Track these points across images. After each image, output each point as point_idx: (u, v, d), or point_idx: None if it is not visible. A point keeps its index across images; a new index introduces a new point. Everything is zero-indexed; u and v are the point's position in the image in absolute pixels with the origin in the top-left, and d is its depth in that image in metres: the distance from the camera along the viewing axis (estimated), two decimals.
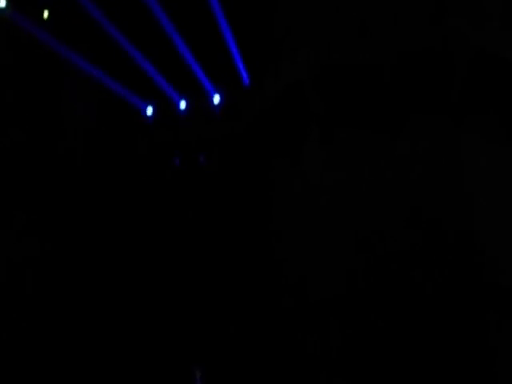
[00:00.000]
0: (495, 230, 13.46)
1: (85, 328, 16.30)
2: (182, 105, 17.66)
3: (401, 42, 14.33)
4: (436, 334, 11.93)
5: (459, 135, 14.03)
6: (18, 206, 16.26)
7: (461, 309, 12.29)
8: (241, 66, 17.83)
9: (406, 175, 13.72)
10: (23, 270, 16.07)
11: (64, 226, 16.92)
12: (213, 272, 16.54)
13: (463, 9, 14.95)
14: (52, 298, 16.34)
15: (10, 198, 16.13)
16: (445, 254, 12.85)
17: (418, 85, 14.28)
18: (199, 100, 18.20)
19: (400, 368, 11.77)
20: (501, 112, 14.55)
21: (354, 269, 13.09)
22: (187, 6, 18.80)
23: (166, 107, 18.01)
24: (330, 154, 14.70)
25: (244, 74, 18.13)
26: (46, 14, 17.07)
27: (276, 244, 15.40)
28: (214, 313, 15.91)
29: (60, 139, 16.52)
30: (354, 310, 12.74)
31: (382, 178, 13.93)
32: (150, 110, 17.79)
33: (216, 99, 17.64)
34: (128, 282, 16.72)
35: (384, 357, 11.97)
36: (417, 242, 13.01)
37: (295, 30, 16.46)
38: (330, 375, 12.49)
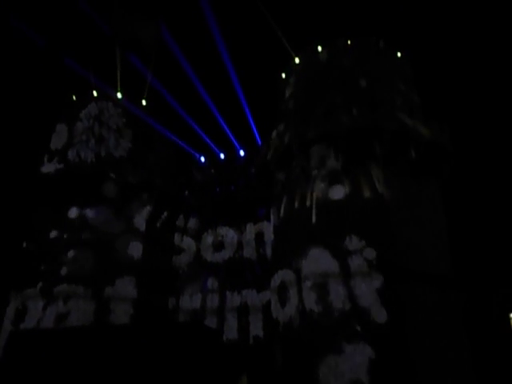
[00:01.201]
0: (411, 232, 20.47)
1: None
2: (222, 156, 27.87)
3: (351, 121, 22.03)
4: None
5: (387, 177, 21.39)
6: None
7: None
8: (257, 135, 28.04)
9: (353, 201, 21.15)
10: None
11: None
12: None
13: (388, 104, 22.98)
14: None
15: None
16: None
17: (361, 145, 21.62)
18: (231, 153, 28.47)
19: None
20: (408, 164, 21.88)
21: None
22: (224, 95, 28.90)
23: (212, 157, 28.12)
24: (305, 188, 22.26)
25: (258, 139, 28.44)
26: (144, 102, 27.88)
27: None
28: None
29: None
30: None
31: (339, 202, 21.30)
32: (202, 159, 28.16)
33: (241, 153, 27.69)
34: None
35: None
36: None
37: (287, 114, 25.18)
38: None
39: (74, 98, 28.50)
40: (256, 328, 23.67)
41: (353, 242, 20.31)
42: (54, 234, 24.46)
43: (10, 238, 27.15)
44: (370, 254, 20.00)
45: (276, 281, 22.07)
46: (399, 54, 26.01)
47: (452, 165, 23.23)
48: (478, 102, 31.69)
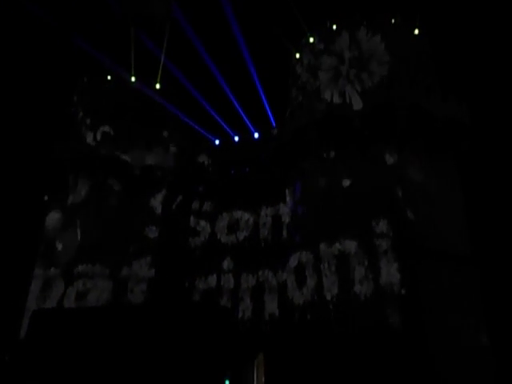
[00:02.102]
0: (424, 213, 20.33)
1: None
2: (236, 138, 27.94)
3: (366, 99, 22.09)
4: None
5: (403, 156, 21.42)
6: None
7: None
8: (271, 116, 27.89)
9: (368, 182, 21.09)
10: None
11: None
12: None
13: (404, 82, 22.63)
14: None
15: None
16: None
17: (376, 123, 21.48)
18: (246, 135, 28.29)
19: None
20: (425, 140, 21.78)
21: None
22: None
23: (226, 140, 28.23)
24: (321, 169, 22.44)
25: (272, 121, 28.47)
26: (158, 85, 28.01)
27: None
28: None
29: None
30: None
31: (354, 182, 21.23)
32: (217, 141, 28.20)
33: (256, 135, 27.69)
34: None
35: None
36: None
37: (301, 94, 25.06)
38: None
39: (86, 80, 28.73)
40: (271, 308, 23.73)
41: (371, 223, 20.26)
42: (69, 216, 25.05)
43: (30, 219, 27.80)
44: (388, 233, 19.92)
45: (293, 262, 22.11)
46: (416, 31, 25.30)
47: (470, 141, 22.82)
48: (497, 77, 30.87)
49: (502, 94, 30.15)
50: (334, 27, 25.64)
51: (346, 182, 21.92)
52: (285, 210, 25.34)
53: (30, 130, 31.14)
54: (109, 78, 28.52)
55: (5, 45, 31.03)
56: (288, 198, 24.88)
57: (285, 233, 25.05)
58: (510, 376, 19.98)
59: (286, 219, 25.03)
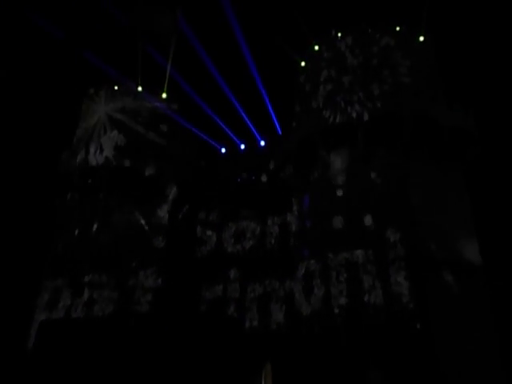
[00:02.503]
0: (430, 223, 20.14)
1: None
2: (242, 146, 28.05)
3: (372, 108, 21.93)
4: None
5: (407, 162, 21.38)
6: None
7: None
8: (277, 124, 27.95)
9: (374, 188, 21.14)
10: None
11: None
12: None
13: (409, 90, 22.58)
14: None
15: None
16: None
17: (382, 132, 21.44)
18: (252, 144, 28.38)
19: None
20: (432, 149, 21.62)
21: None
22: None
23: (233, 148, 28.42)
24: (327, 177, 22.45)
25: (278, 129, 28.46)
26: (164, 94, 28.20)
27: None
28: None
29: None
30: None
31: (360, 191, 21.20)
32: (223, 149, 28.31)
33: (262, 143, 27.82)
34: None
35: None
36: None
37: (307, 102, 24.89)
38: None
39: (92, 91, 28.98)
40: (279, 318, 23.49)
41: (379, 232, 20.08)
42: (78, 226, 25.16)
43: (38, 230, 27.93)
44: (396, 243, 19.73)
45: (300, 271, 21.93)
46: (422, 38, 25.28)
47: (477, 150, 22.68)
48: (504, 85, 30.75)
49: (508, 102, 30.02)
50: (339, 35, 25.60)
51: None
52: (292, 219, 25.21)
53: (37, 142, 31.38)
54: (116, 88, 28.74)
55: (12, 56, 31.37)
56: (295, 207, 24.77)
57: (292, 242, 24.89)
58: None
59: (293, 228, 24.88)
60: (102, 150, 26.46)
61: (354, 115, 22.43)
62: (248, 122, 28.73)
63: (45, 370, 21.53)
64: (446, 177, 22.03)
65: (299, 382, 19.99)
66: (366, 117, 22.17)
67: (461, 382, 17.51)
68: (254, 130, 28.43)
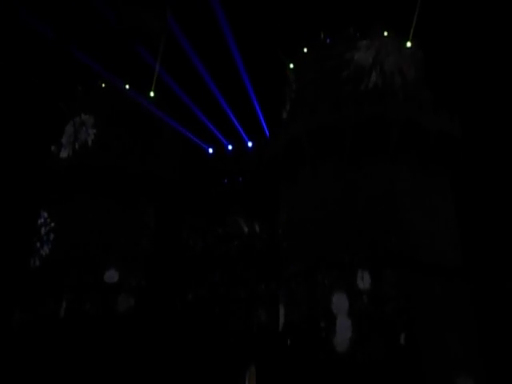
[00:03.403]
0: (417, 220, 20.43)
1: None
2: (230, 147, 27.95)
3: (359, 112, 21.88)
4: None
5: (395, 168, 21.56)
6: None
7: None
8: (265, 126, 28.03)
9: (361, 190, 21.25)
10: None
11: None
12: None
13: (397, 95, 22.69)
14: None
15: None
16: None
17: (369, 136, 21.61)
18: (240, 145, 28.36)
19: None
20: (418, 153, 21.86)
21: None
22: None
23: (220, 149, 28.30)
24: (314, 179, 22.51)
25: (266, 131, 28.54)
26: (152, 93, 27.97)
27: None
28: None
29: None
30: None
31: (347, 194, 21.30)
32: (210, 150, 28.21)
33: (249, 144, 27.75)
34: None
35: None
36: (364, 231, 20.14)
37: (295, 105, 25.08)
38: None
39: (80, 88, 28.64)
40: (264, 320, 23.54)
41: (364, 234, 20.22)
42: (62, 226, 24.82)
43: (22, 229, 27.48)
44: (381, 245, 19.81)
45: (286, 274, 21.97)
46: (409, 44, 25.48)
47: (462, 154, 22.98)
48: (489, 91, 31.25)
49: (493, 107, 30.52)
50: (328, 40, 25.84)
51: (339, 193, 21.82)
52: (279, 221, 25.08)
53: (25, 138, 30.95)
54: (103, 86, 28.46)
55: (1, 53, 30.94)
56: (282, 209, 24.68)
57: (278, 244, 24.73)
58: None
59: (280, 230, 24.78)
60: (88, 148, 26.15)
61: (342, 118, 22.35)
62: (236, 123, 28.71)
63: (31, 371, 21.16)
64: (433, 180, 22.28)
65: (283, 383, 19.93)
66: (353, 120, 22.15)
67: (442, 379, 17.66)
68: (241, 131, 28.42)
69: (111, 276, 23.72)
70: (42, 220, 25.86)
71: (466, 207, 24.05)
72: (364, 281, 19.48)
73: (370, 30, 25.35)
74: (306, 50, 26.57)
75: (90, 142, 26.32)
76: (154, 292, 24.42)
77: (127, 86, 27.87)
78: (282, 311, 21.99)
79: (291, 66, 27.11)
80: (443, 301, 19.36)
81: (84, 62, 27.49)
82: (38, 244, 25.11)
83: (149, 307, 23.68)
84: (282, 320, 21.79)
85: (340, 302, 19.47)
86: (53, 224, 25.16)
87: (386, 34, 25.35)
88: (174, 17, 27.41)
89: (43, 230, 25.30)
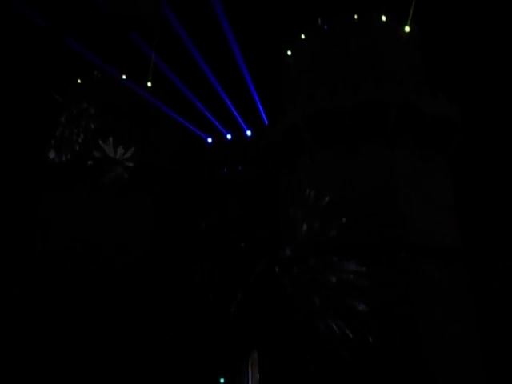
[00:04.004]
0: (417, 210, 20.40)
1: None
2: (229, 136, 27.95)
3: (356, 97, 21.75)
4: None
5: (393, 153, 21.50)
6: None
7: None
8: (263, 114, 27.96)
9: (359, 176, 21.27)
10: None
11: None
12: None
13: (394, 79, 22.61)
14: None
15: None
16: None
17: (368, 120, 21.50)
18: (238, 133, 28.35)
19: None
20: (416, 138, 21.83)
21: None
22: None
23: (219, 138, 28.25)
24: (313, 165, 22.58)
25: (265, 119, 28.41)
26: (149, 83, 27.83)
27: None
28: None
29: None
30: None
31: (345, 180, 21.36)
32: (210, 140, 28.19)
33: (248, 133, 27.71)
34: None
35: None
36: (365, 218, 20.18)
37: (293, 92, 25.04)
38: None
39: (75, 79, 28.50)
40: (266, 306, 23.57)
41: (363, 219, 20.21)
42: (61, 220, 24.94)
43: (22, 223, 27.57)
44: (380, 229, 19.90)
45: (288, 260, 22.03)
46: (407, 29, 25.16)
47: (460, 139, 22.95)
48: (488, 75, 31.08)
49: (492, 91, 30.36)
50: (325, 25, 25.62)
51: (337, 179, 21.91)
52: (279, 209, 25.06)
53: (20, 133, 30.86)
54: (99, 76, 28.33)
55: None
56: (281, 196, 24.75)
57: (279, 230, 24.55)
58: (500, 369, 20.25)
59: (280, 218, 24.66)
60: (85, 140, 26.13)
61: (340, 103, 22.25)
62: (234, 112, 28.63)
63: None
64: (431, 165, 22.27)
65: (286, 369, 20.24)
66: (351, 104, 22.05)
67: (442, 367, 17.86)
68: (240, 119, 28.36)
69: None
70: (42, 211, 25.96)
71: (464, 192, 24.08)
72: (362, 267, 19.49)
73: (367, 14, 25.11)
74: (303, 36, 26.38)
75: (86, 133, 26.26)
76: (156, 279, 24.58)
77: (124, 76, 27.82)
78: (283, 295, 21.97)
79: (289, 52, 26.96)
80: (441, 284, 19.45)
81: (78, 51, 27.35)
82: (39, 234, 25.30)
83: (151, 294, 23.85)
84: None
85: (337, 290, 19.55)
86: (53, 214, 25.26)
87: (383, 18, 25.15)
88: (169, 4, 27.26)
89: (43, 221, 25.42)
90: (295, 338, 20.34)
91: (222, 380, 22.30)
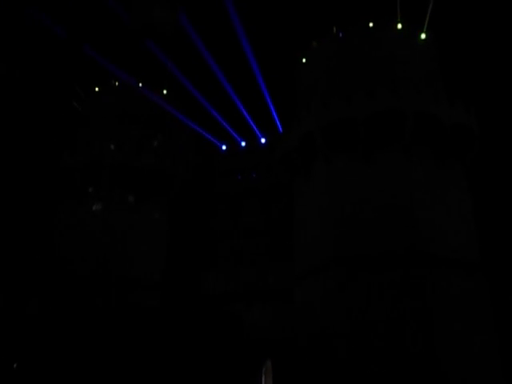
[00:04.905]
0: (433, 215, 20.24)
1: None
2: (243, 143, 27.96)
3: (373, 105, 21.69)
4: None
5: (409, 161, 21.36)
6: None
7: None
8: (278, 122, 27.99)
9: (375, 185, 21.16)
10: None
11: None
12: None
13: (411, 87, 22.45)
14: None
15: None
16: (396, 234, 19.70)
17: (384, 129, 21.44)
18: (253, 141, 28.33)
19: None
20: (431, 145, 21.67)
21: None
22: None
23: (234, 145, 28.31)
24: (328, 173, 22.46)
25: (279, 126, 28.32)
26: (165, 91, 28.12)
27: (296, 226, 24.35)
28: None
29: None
30: None
31: (361, 188, 21.31)
32: (224, 147, 28.30)
33: (263, 140, 27.70)
34: None
35: None
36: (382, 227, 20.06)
37: (307, 99, 24.93)
38: None
39: (94, 88, 28.87)
40: (280, 315, 23.72)
41: (379, 228, 20.08)
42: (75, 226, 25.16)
43: (38, 228, 27.81)
44: (397, 239, 19.74)
45: (302, 269, 22.06)
46: (423, 36, 25.22)
47: (478, 147, 22.62)
48: (505, 83, 30.68)
49: (510, 100, 29.95)
50: (341, 34, 25.67)
51: (353, 187, 21.73)
52: (293, 216, 25.00)
53: (39, 139, 31.31)
54: (116, 84, 28.65)
55: (16, 55, 31.40)
56: (296, 204, 24.69)
57: (294, 238, 24.65)
58: None
59: (295, 225, 24.68)
60: (102, 147, 26.32)
61: (355, 112, 22.17)
62: (249, 120, 28.71)
63: None
64: (448, 174, 22.01)
65: (299, 379, 20.12)
66: (366, 113, 21.95)
67: (460, 378, 17.53)
68: (254, 127, 28.43)
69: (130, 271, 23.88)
70: (60, 216, 26.17)
71: (483, 202, 23.71)
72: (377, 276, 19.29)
73: (382, 22, 25.10)
74: (318, 44, 26.42)
75: (104, 141, 26.49)
76: (173, 287, 24.59)
77: (140, 84, 28.05)
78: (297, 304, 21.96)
79: (303, 60, 26.98)
80: (460, 294, 19.13)
81: (96, 60, 27.74)
82: (56, 239, 25.49)
83: (169, 302, 23.84)
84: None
85: (356, 300, 19.37)
86: (70, 220, 25.46)
87: (400, 26, 25.11)
88: (185, 14, 27.47)
89: (60, 226, 25.64)
90: (311, 350, 20.15)
91: None
